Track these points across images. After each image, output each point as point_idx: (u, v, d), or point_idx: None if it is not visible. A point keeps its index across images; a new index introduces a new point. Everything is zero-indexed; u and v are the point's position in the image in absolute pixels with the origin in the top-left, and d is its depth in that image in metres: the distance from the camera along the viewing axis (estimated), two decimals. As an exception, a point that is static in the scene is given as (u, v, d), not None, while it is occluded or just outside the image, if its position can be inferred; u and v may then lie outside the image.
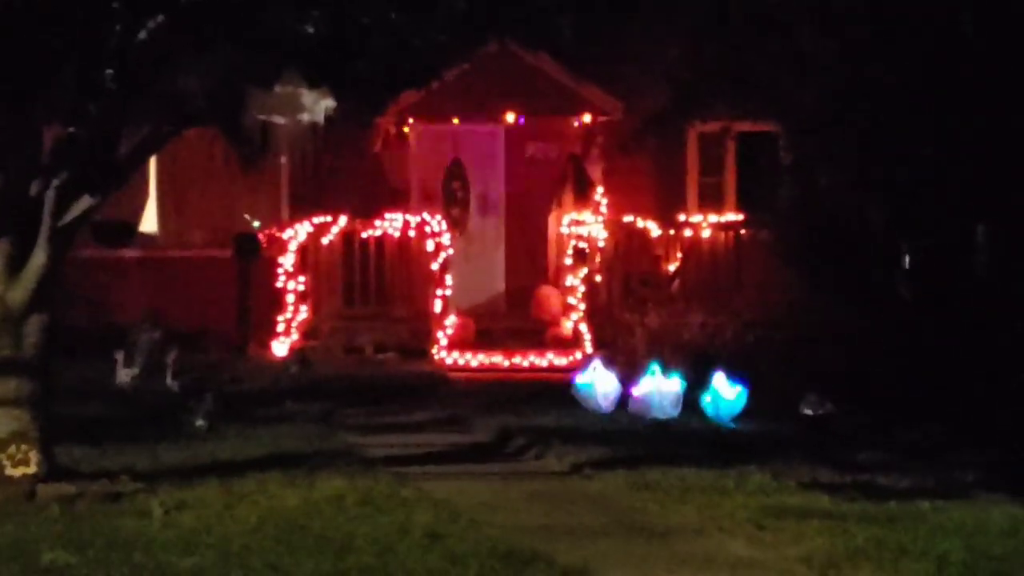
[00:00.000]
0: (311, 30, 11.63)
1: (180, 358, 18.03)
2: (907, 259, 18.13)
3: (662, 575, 9.89)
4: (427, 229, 20.99)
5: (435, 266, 20.87)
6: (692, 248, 21.91)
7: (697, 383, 16.47)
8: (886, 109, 16.59)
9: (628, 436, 15.03)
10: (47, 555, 9.76)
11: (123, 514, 11.10)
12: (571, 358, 20.30)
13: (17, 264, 11.94)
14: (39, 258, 11.91)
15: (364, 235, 21.13)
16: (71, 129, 12.02)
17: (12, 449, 11.71)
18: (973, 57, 16.03)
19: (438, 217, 21.24)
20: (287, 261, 20.85)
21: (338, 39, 11.96)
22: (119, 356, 18.04)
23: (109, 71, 11.57)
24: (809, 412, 16.05)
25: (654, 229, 21.76)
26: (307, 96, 12.06)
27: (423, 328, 20.86)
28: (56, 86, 11.71)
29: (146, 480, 12.22)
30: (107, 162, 12.31)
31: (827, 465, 13.45)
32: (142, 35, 11.49)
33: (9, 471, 11.72)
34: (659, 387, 16.41)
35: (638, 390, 16.48)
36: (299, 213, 21.45)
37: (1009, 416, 15.55)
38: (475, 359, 20.55)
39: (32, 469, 11.75)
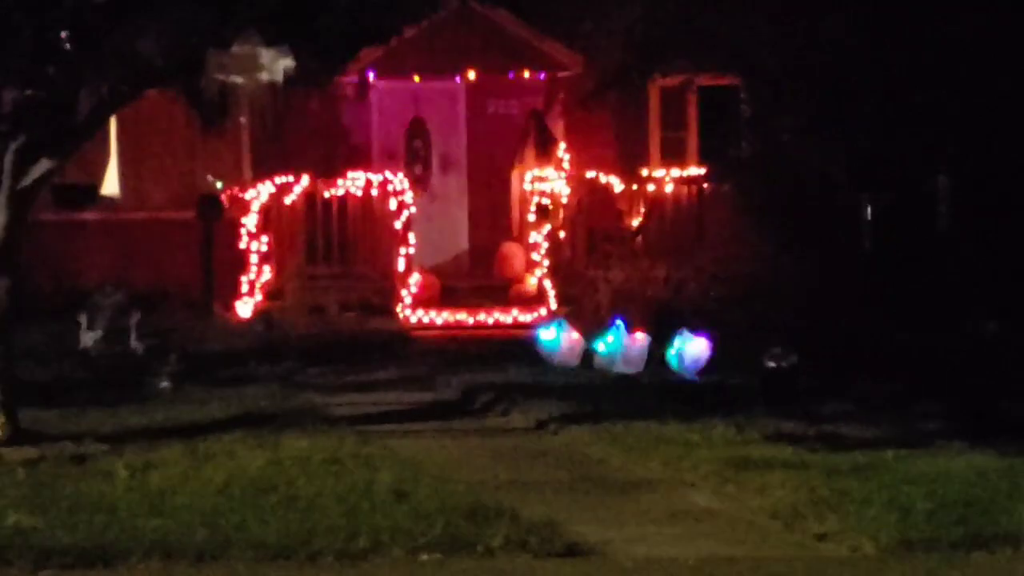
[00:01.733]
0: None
1: (144, 320, 17.97)
2: (868, 211, 18.20)
3: (628, 528, 9.93)
4: (390, 188, 20.93)
5: (398, 225, 20.82)
6: (655, 203, 21.91)
7: (661, 338, 16.49)
8: (844, 62, 16.61)
9: (593, 391, 15.06)
10: (11, 517, 9.75)
11: (88, 476, 11.08)
12: (536, 314, 20.30)
13: (-24, 228, 11.87)
14: (-1, 221, 11.85)
15: (327, 194, 21.06)
16: (28, 91, 11.95)
17: (-25, 413, 11.67)
18: (930, 10, 16.05)
19: (400, 175, 21.18)
20: (250, 222, 20.77)
21: (296, -2, 11.92)
22: (82, 319, 17.96)
23: (65, 32, 11.50)
24: (773, 365, 16.07)
25: (617, 184, 21.75)
26: (265, 55, 12.01)
27: (387, 287, 20.83)
28: (12, 48, 11.64)
29: (111, 442, 12.21)
30: (66, 124, 12.25)
31: (791, 417, 13.52)
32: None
33: (-27, 435, 11.68)
34: (624, 342, 16.44)
35: (603, 345, 16.50)
36: (261, 173, 21.36)
37: (970, 366, 15.65)
38: (439, 317, 20.54)
39: (-4, 433, 11.72)
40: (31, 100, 11.94)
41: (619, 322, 16.60)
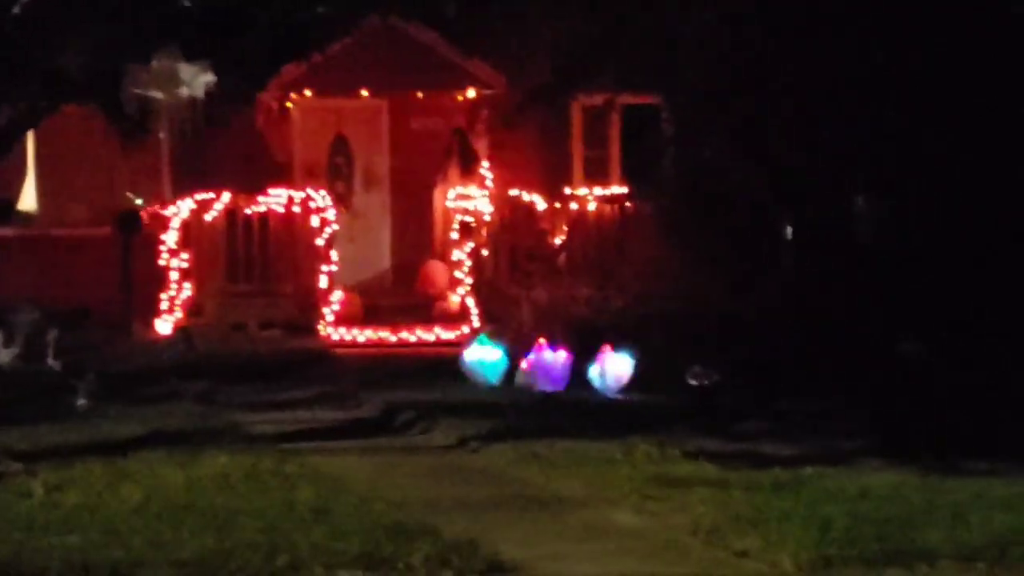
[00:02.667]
0: (188, 3, 11.53)
1: (62, 337, 17.81)
2: (789, 229, 18.29)
3: (549, 545, 9.91)
4: (312, 205, 20.85)
5: (320, 242, 20.75)
6: (578, 222, 21.94)
7: (584, 356, 16.51)
8: (765, 81, 16.70)
9: (515, 409, 15.04)
10: (-76, 537, 9.62)
11: (3, 494, 10.96)
12: (458, 332, 20.27)
13: None
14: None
15: (248, 211, 20.96)
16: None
17: None
18: (849, 30, 16.18)
19: (323, 192, 21.11)
20: (170, 238, 20.64)
21: (217, 12, 11.87)
22: (-1, 336, 17.80)
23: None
24: (695, 383, 16.14)
25: (540, 203, 21.77)
26: (186, 71, 11.96)
27: (309, 304, 20.74)
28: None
29: (27, 460, 12.08)
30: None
31: (712, 435, 13.56)
32: (15, 10, 11.33)
33: None
34: (546, 360, 16.44)
35: (525, 364, 16.50)
36: (181, 189, 21.22)
37: (890, 383, 15.75)
38: (362, 335, 20.47)
39: (-91, 451, 11.57)
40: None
41: (542, 340, 16.59)
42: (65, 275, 20.85)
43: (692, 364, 16.29)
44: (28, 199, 21.96)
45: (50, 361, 17.59)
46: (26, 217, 21.88)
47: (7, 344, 17.77)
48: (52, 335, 17.74)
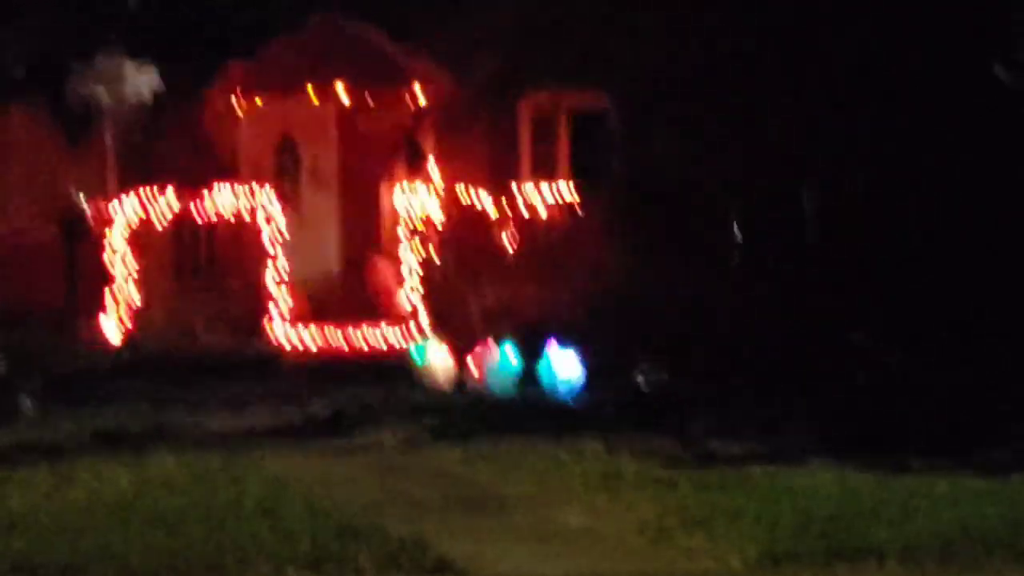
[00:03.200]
0: (132, 2, 11.47)
1: (6, 339, 17.67)
2: (736, 227, 18.33)
3: (497, 545, 9.90)
4: (259, 204, 20.77)
5: (267, 241, 20.67)
6: (526, 220, 21.92)
7: (532, 355, 16.50)
8: (713, 75, 16.73)
9: (463, 410, 15.04)
10: None
11: (-53, 497, 10.87)
12: (406, 331, 20.23)
13: None
14: None
15: (194, 211, 20.86)
16: None
17: None
18: (793, 26, 16.23)
19: (269, 191, 21.02)
20: (115, 239, 20.52)
21: (162, 11, 11.81)
22: (-59, 338, 17.64)
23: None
24: (642, 380, 16.15)
25: (487, 201, 21.74)
26: (131, 68, 11.89)
27: (256, 304, 20.65)
28: None
29: (-29, 462, 11.98)
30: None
31: (661, 434, 13.57)
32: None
33: None
34: (494, 360, 16.41)
35: (473, 363, 16.47)
36: (127, 189, 21.10)
37: (839, 379, 15.79)
38: (310, 334, 20.40)
39: None
40: None
41: (490, 340, 16.57)
42: (8, 276, 20.68)
43: (640, 362, 16.30)
44: (-30, 198, 21.80)
45: (-6, 363, 17.46)
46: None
47: (-50, 346, 17.62)
48: (-4, 337, 17.61)
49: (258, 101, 22.00)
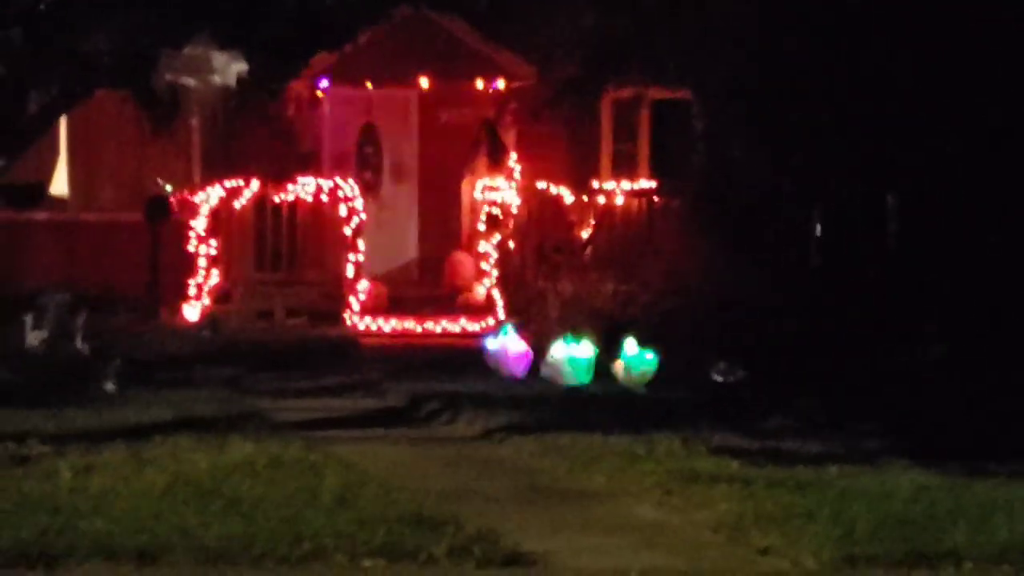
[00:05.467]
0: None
1: (90, 322, 17.87)
2: (818, 228, 18.26)
3: (571, 539, 9.93)
4: (340, 194, 20.89)
5: (348, 231, 20.78)
6: (605, 215, 21.93)
7: (609, 350, 16.51)
8: (796, 78, 16.68)
9: (539, 402, 15.05)
10: (-48, 518, 9.67)
11: (30, 477, 11.01)
12: (483, 324, 20.30)
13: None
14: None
15: (276, 199, 21.01)
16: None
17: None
18: (883, 29, 16.14)
19: (351, 182, 21.15)
20: (198, 225, 20.69)
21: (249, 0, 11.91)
22: (28, 319, 17.85)
23: (16, 30, 11.45)
24: (719, 379, 16.15)
25: (567, 196, 21.77)
26: (218, 58, 12.01)
27: (335, 293, 20.78)
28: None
29: (54, 443, 12.13)
30: (15, 123, 12.20)
31: (736, 431, 13.54)
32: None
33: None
34: (571, 354, 16.44)
35: (550, 357, 16.50)
36: (211, 177, 21.28)
37: (915, 385, 15.73)
38: (387, 324, 20.51)
39: (-63, 432, 11.62)
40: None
41: (567, 333, 16.59)
42: (94, 259, 20.92)
43: (717, 360, 16.29)
44: (60, 183, 22.05)
45: (78, 345, 17.65)
46: (57, 201, 21.97)
47: (36, 327, 17.84)
48: (81, 319, 17.80)
49: (343, 91, 22.13)
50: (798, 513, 10.35)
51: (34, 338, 17.79)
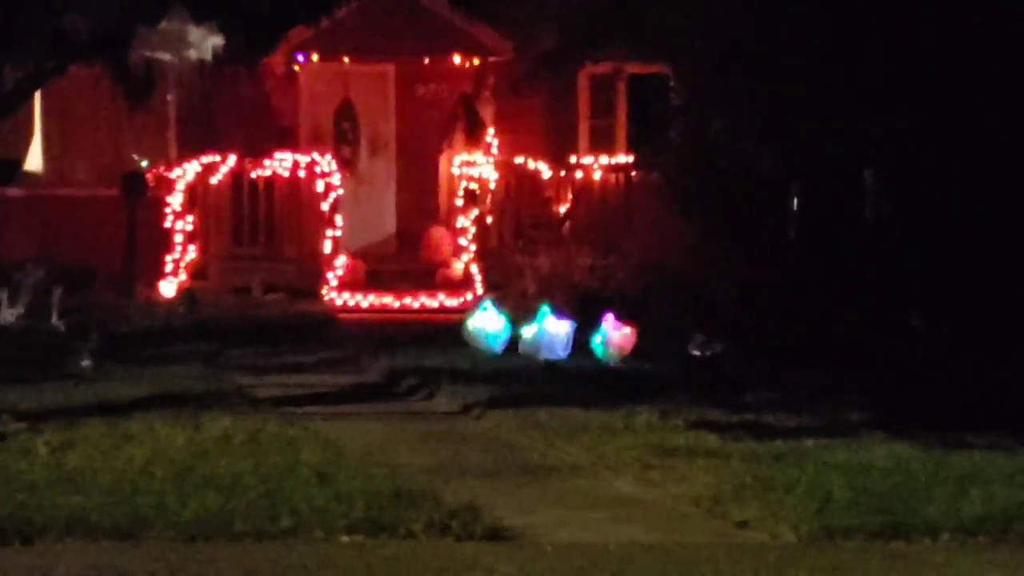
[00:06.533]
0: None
1: (66, 297, 17.83)
2: (795, 203, 18.26)
3: (550, 513, 9.93)
4: (317, 169, 20.86)
5: (325, 206, 20.75)
6: (583, 190, 21.94)
7: (587, 325, 16.50)
8: (776, 51, 16.65)
9: (518, 377, 15.05)
10: (-72, 494, 9.64)
11: (6, 453, 10.97)
12: (462, 299, 20.30)
13: None
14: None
15: (253, 175, 20.96)
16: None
17: None
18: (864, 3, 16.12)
19: (328, 157, 21.11)
20: (175, 200, 20.65)
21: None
22: (3, 295, 17.80)
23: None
24: (697, 353, 16.15)
25: (545, 171, 21.76)
26: (194, 33, 11.94)
27: (313, 269, 20.76)
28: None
29: (30, 419, 12.09)
30: (-11, 98, 12.13)
31: (714, 405, 13.56)
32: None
33: None
34: (549, 329, 16.43)
35: (528, 331, 16.50)
36: (187, 152, 21.23)
37: (895, 358, 15.75)
38: (365, 300, 20.49)
39: (-87, 409, 11.58)
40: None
41: (545, 308, 16.59)
42: (70, 235, 20.87)
43: (695, 334, 16.29)
44: (34, 159, 21.98)
45: (54, 321, 17.61)
46: (32, 177, 21.90)
47: (12, 303, 17.78)
48: (56, 295, 17.76)
49: (319, 66, 22.07)
50: (776, 486, 10.37)
51: (9, 314, 17.74)
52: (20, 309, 17.79)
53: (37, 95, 19.64)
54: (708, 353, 16.05)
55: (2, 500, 9.55)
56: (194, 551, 8.86)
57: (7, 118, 12.85)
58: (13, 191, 21.50)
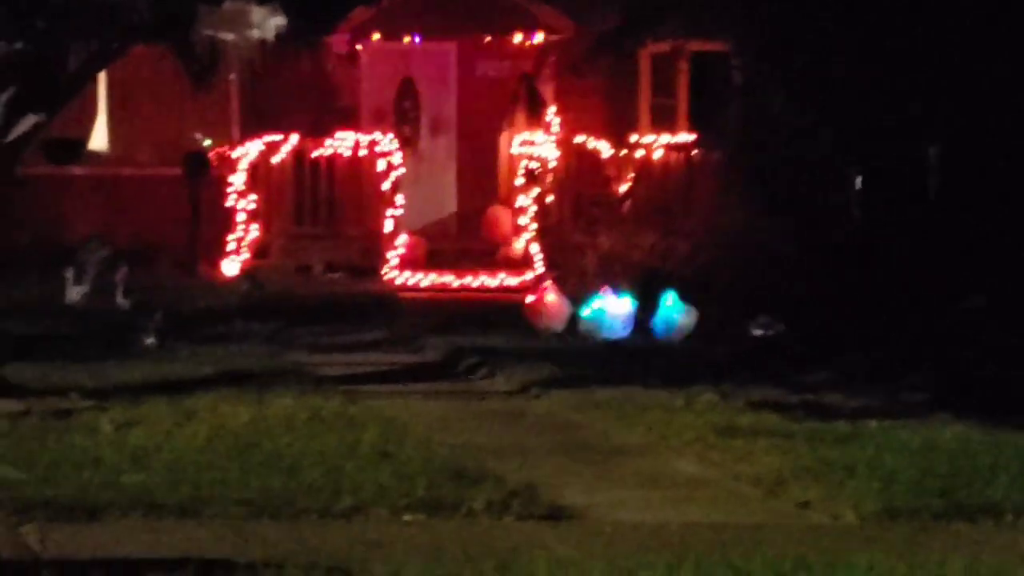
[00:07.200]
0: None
1: (130, 276, 17.94)
2: (858, 181, 18.17)
3: (610, 492, 9.93)
4: (378, 148, 20.90)
5: (386, 185, 20.80)
6: (643, 169, 21.88)
7: (647, 304, 16.48)
8: (836, 29, 16.57)
9: (578, 356, 15.05)
10: (-5, 471, 9.73)
11: (72, 431, 11.05)
12: (522, 278, 20.30)
13: (-37, 181, 11.85)
14: (-14, 175, 11.82)
15: (315, 154, 21.03)
16: (17, 45, 11.89)
17: (-41, 366, 11.64)
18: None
19: (389, 136, 21.15)
20: (237, 180, 20.74)
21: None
22: (69, 274, 17.94)
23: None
24: (759, 333, 16.11)
25: (605, 149, 21.72)
26: (257, 12, 11.96)
27: (373, 248, 20.82)
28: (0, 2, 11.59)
29: (95, 397, 12.17)
30: (54, 79, 12.20)
31: (776, 385, 13.50)
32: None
33: (-44, 388, 11.65)
34: (609, 308, 16.42)
35: (588, 311, 16.49)
36: (249, 131, 21.32)
37: (957, 338, 15.66)
38: (426, 279, 20.53)
39: (-21, 386, 11.68)
40: (20, 54, 11.88)
41: (605, 287, 16.58)
42: (133, 214, 21.02)
43: (756, 314, 16.24)
44: (99, 139, 22.12)
45: (119, 299, 17.73)
46: (96, 156, 22.05)
47: (77, 282, 17.92)
48: (121, 274, 17.87)
49: (381, 45, 22.11)
50: (838, 467, 10.32)
51: (75, 293, 17.87)
52: (85, 287, 17.93)
53: (101, 75, 19.74)
54: (770, 333, 16.00)
55: (68, 477, 9.63)
56: (256, 529, 8.91)
57: (72, 98, 12.90)
58: (78, 170, 21.66)
